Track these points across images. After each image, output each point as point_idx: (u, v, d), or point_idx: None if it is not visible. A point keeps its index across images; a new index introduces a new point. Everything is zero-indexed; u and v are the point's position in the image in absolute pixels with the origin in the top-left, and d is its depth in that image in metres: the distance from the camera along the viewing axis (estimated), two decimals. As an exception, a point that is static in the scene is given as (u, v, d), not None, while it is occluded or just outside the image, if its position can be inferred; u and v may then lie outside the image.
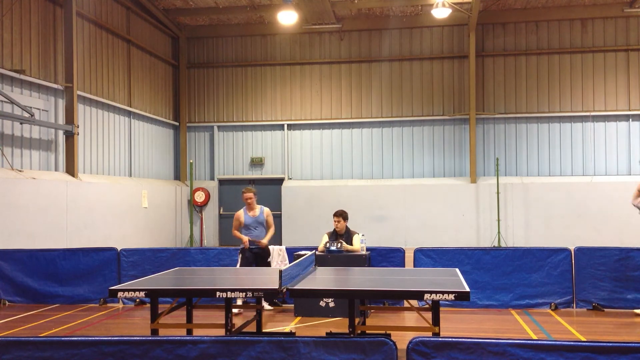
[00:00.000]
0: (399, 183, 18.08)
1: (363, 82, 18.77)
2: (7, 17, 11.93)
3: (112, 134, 15.68)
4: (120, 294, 5.55)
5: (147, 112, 17.41)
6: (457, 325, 7.89)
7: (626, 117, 17.66)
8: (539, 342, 3.78)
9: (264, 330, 6.81)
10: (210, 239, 19.10)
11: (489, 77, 18.27)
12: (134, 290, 5.41)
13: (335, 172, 18.79)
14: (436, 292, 5.00)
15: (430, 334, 5.40)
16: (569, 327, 7.85)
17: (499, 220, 17.12)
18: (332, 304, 8.46)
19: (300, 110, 19.02)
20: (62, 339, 4.07)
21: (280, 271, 5.13)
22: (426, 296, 5.07)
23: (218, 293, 5.27)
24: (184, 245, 18.20)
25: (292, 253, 9.02)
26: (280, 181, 18.88)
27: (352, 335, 5.27)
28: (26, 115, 11.94)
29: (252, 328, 6.62)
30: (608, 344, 3.66)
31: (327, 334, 6.16)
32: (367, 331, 6.56)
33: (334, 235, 9.09)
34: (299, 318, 8.47)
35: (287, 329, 7.62)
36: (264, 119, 19.19)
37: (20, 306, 9.65)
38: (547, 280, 9.00)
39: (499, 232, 17.05)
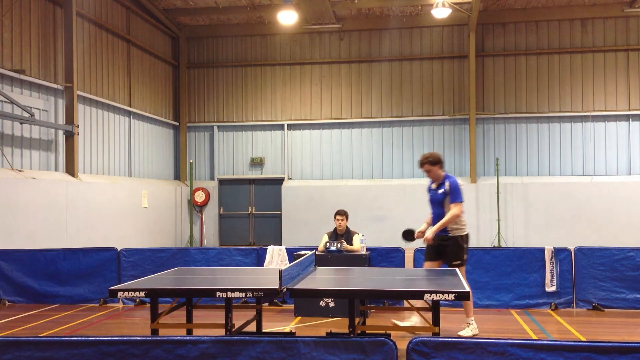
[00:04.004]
0: (399, 183, 18.08)
1: (363, 82, 18.77)
2: (7, 17, 11.93)
3: (112, 134, 15.67)
4: (120, 294, 5.54)
5: (147, 112, 17.41)
6: (457, 325, 7.88)
7: (626, 117, 17.66)
8: (539, 342, 3.77)
9: (264, 330, 6.81)
10: (210, 239, 19.10)
11: (489, 77, 18.27)
12: (134, 290, 5.41)
13: (335, 172, 18.79)
14: (436, 292, 5.00)
15: (430, 334, 5.40)
16: (569, 327, 7.85)
17: (499, 220, 17.11)
18: (332, 304, 8.47)
19: (300, 110, 19.02)
20: (62, 339, 4.07)
21: (280, 271, 5.13)
22: (426, 296, 5.07)
23: (218, 293, 5.27)
24: (184, 245, 18.20)
25: (292, 253, 9.01)
26: (280, 181, 18.88)
27: (352, 335, 5.27)
28: (26, 115, 11.94)
29: (252, 328, 6.62)
30: (608, 344, 3.66)
31: (327, 334, 6.15)
32: (367, 331, 6.56)
33: (334, 235, 9.10)
34: (299, 318, 8.47)
35: (287, 329, 7.62)
36: (264, 119, 19.19)
37: (20, 306, 9.65)
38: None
39: (499, 232, 17.05)
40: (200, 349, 3.92)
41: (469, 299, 5.12)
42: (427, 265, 7.36)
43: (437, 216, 7.37)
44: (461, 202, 7.24)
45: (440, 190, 7.33)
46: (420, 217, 18.23)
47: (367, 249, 9.10)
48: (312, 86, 19.00)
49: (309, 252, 7.31)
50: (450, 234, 7.25)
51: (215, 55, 19.53)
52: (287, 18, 16.52)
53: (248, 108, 19.30)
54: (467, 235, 7.35)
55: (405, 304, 7.14)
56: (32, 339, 4.05)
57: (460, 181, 7.60)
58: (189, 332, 6.24)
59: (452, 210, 7.20)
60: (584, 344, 3.72)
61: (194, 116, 19.56)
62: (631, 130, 17.57)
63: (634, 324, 8.07)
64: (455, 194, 7.23)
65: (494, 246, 16.34)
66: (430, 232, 7.20)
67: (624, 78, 17.68)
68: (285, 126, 19.01)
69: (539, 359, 3.67)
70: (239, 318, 6.50)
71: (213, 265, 9.63)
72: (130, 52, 16.64)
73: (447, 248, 7.26)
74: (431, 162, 7.31)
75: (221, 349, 3.90)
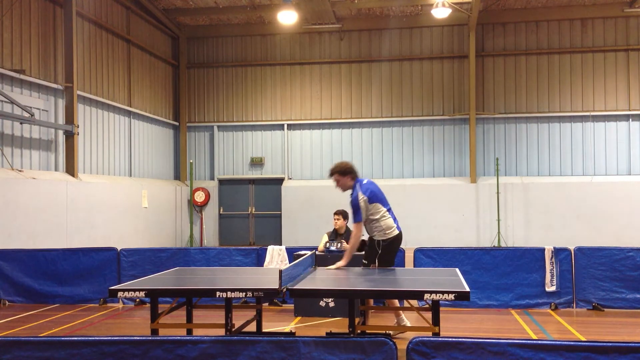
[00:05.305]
0: (399, 183, 18.07)
1: (363, 82, 18.77)
2: (7, 17, 11.93)
3: (112, 134, 15.67)
4: (120, 294, 5.54)
5: (147, 112, 17.41)
6: (457, 325, 7.89)
7: (626, 117, 17.66)
8: (539, 342, 3.77)
9: (264, 330, 6.81)
10: (210, 239, 19.10)
11: (489, 77, 18.27)
12: (134, 290, 5.41)
13: (335, 172, 18.75)
14: (436, 292, 5.00)
15: (430, 334, 5.40)
16: (569, 327, 7.86)
17: (499, 220, 17.11)
18: (332, 304, 8.47)
19: (300, 110, 19.02)
20: (62, 339, 4.07)
21: (280, 271, 5.13)
22: (426, 296, 5.07)
23: (218, 293, 5.27)
24: (184, 245, 18.20)
25: (292, 253, 9.02)
26: (280, 181, 18.87)
27: (352, 335, 5.27)
28: (26, 115, 11.94)
29: (252, 328, 6.62)
30: (608, 344, 3.66)
31: (327, 334, 6.16)
32: (367, 331, 6.56)
33: (334, 235, 9.10)
34: (299, 318, 8.48)
35: (287, 329, 7.62)
36: (264, 119, 19.18)
37: (20, 306, 9.65)
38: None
39: (499, 232, 17.05)
40: (200, 349, 3.92)
41: (468, 299, 5.12)
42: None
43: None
44: (359, 221, 6.88)
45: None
46: (420, 216, 18.24)
47: (367, 249, 9.08)
48: (312, 86, 19.00)
49: (309, 252, 7.31)
50: (373, 237, 7.10)
51: (215, 55, 19.52)
52: (287, 18, 16.52)
53: (248, 108, 19.30)
54: (386, 242, 7.01)
55: (405, 304, 7.13)
56: (32, 339, 4.05)
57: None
58: (189, 332, 6.24)
59: (353, 233, 7.00)
60: (584, 344, 3.72)
61: (194, 116, 19.56)
62: (631, 130, 17.57)
63: (634, 324, 8.07)
64: (354, 215, 6.92)
65: (494, 246, 16.34)
66: (336, 265, 6.92)
67: (624, 78, 17.68)
68: (285, 126, 19.00)
69: (539, 359, 3.67)
70: (239, 318, 6.50)
71: (213, 265, 9.63)
72: (130, 52, 16.64)
73: (368, 247, 7.20)
74: (340, 172, 7.05)
75: (221, 349, 3.90)
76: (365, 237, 7.37)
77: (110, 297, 8.31)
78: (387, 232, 7.04)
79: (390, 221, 7.08)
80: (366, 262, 7.16)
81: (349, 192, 7.12)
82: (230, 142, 19.44)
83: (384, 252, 7.03)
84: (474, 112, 17.82)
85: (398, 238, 7.11)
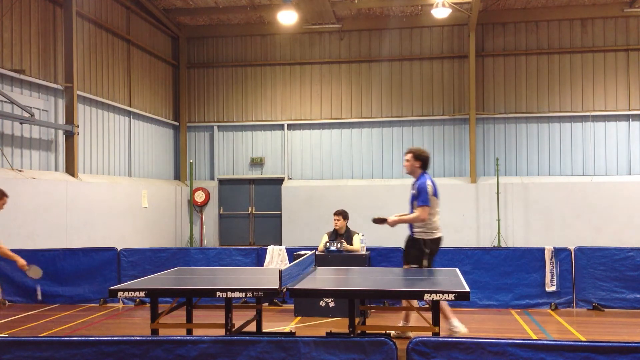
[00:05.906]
0: (399, 183, 18.05)
1: (363, 82, 18.77)
2: (7, 17, 11.93)
3: (112, 134, 15.67)
4: (120, 294, 5.55)
5: (147, 112, 17.41)
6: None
7: (626, 117, 17.65)
8: (539, 342, 3.78)
9: (264, 330, 6.81)
10: (210, 239, 19.10)
11: (489, 77, 18.26)
12: (134, 290, 5.41)
13: (335, 172, 18.78)
14: (436, 292, 5.01)
15: (430, 333, 5.41)
16: (569, 327, 7.86)
17: (499, 220, 17.11)
18: (332, 304, 8.47)
19: (300, 110, 19.01)
20: (62, 339, 4.07)
21: (280, 271, 5.13)
22: (426, 296, 5.07)
23: (218, 293, 5.28)
24: (184, 245, 18.20)
25: (292, 253, 9.02)
26: (280, 181, 18.87)
27: (352, 335, 5.27)
28: (26, 115, 11.94)
29: (252, 328, 6.62)
30: (608, 344, 3.66)
31: (327, 334, 6.16)
32: (367, 331, 6.57)
33: (334, 235, 9.11)
34: (299, 318, 8.48)
35: (287, 329, 7.62)
36: (264, 119, 19.18)
37: (20, 306, 9.66)
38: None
39: (499, 232, 17.05)
40: (200, 349, 3.92)
41: (468, 299, 5.12)
42: (405, 267, 7.30)
43: None
44: (426, 205, 6.98)
45: (413, 191, 7.24)
46: (420, 217, 18.08)
47: (367, 249, 9.11)
48: (312, 86, 19.00)
49: (309, 252, 7.32)
50: (415, 236, 7.14)
51: (215, 55, 19.52)
52: (287, 18, 16.52)
53: (248, 108, 19.29)
54: (432, 241, 7.08)
55: (405, 303, 7.14)
56: (32, 339, 4.06)
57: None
58: (189, 332, 6.24)
59: (416, 212, 7.05)
60: (584, 344, 3.72)
61: (194, 116, 19.56)
62: (631, 130, 17.56)
63: (634, 324, 8.08)
64: (421, 197, 7.03)
65: (494, 246, 16.33)
66: (392, 218, 7.19)
67: (624, 78, 17.67)
68: (285, 126, 19.00)
69: (539, 359, 3.67)
70: (239, 318, 6.50)
71: (213, 265, 9.64)
72: (130, 52, 16.64)
73: (409, 248, 7.21)
74: (415, 155, 7.24)
75: (221, 349, 3.90)
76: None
77: (110, 297, 8.31)
78: (434, 231, 7.10)
79: (439, 222, 7.18)
80: (415, 266, 7.01)
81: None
82: (230, 142, 19.44)
83: (432, 251, 7.05)
84: (474, 112, 17.81)
85: (440, 240, 7.18)
